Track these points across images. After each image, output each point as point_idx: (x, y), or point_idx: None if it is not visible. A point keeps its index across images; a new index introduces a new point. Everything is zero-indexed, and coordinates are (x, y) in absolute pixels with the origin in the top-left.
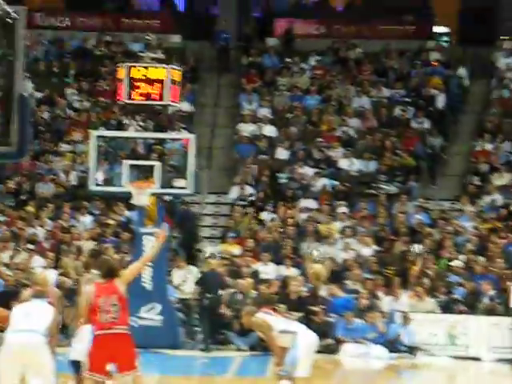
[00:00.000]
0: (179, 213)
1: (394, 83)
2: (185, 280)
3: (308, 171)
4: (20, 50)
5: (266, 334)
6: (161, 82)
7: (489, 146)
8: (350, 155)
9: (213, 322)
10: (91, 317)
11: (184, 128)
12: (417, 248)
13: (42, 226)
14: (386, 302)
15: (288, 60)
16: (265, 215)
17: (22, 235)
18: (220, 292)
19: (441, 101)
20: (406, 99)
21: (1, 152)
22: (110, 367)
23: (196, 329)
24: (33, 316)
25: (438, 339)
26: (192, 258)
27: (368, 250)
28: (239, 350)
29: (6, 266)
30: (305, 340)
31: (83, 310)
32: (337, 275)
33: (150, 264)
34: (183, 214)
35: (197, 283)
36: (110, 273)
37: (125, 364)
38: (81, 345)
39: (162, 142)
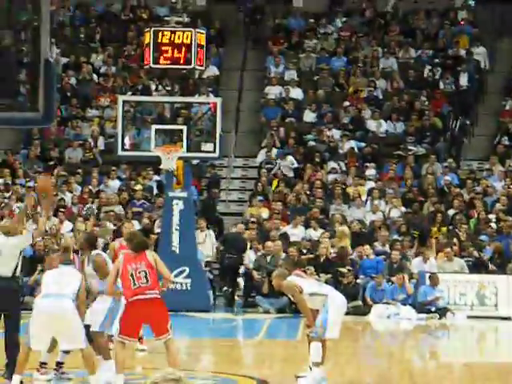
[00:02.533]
0: (207, 177)
1: (422, 43)
2: (203, 242)
3: (335, 133)
4: (46, 16)
5: (297, 296)
6: (187, 45)
7: None
8: (377, 117)
9: (234, 284)
10: (123, 284)
11: (210, 91)
12: None
13: (70, 192)
14: (414, 263)
15: (314, 22)
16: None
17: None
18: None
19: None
20: (434, 59)
21: (28, 117)
22: (141, 332)
23: (225, 290)
24: (62, 281)
25: (467, 299)
26: (214, 222)
27: (396, 212)
28: (267, 312)
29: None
30: (335, 302)
31: (112, 278)
32: (365, 237)
33: (177, 228)
34: (210, 179)
35: (221, 243)
36: (140, 247)
37: (158, 328)
38: (95, 316)
39: (188, 106)
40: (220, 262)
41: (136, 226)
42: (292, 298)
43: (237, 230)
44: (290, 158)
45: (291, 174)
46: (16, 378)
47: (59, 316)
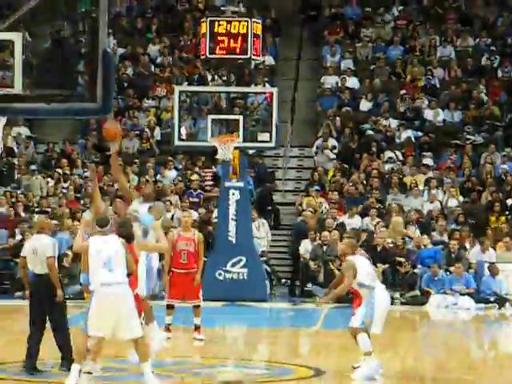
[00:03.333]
0: (257, 166)
1: (480, 32)
2: (257, 232)
3: (392, 123)
4: (103, 7)
5: (348, 279)
6: (243, 35)
7: None
8: (434, 106)
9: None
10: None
11: (266, 81)
12: None
13: (127, 182)
14: (473, 252)
15: (371, 10)
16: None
17: (109, 190)
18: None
19: None
20: (492, 48)
21: (86, 107)
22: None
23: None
24: (112, 263)
25: None
26: (268, 212)
27: (454, 201)
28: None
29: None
30: (382, 299)
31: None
32: (423, 226)
33: (233, 217)
34: (260, 169)
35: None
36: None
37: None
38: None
39: (244, 95)
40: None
41: (194, 215)
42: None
43: (302, 218)
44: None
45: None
46: (75, 367)
47: (117, 306)
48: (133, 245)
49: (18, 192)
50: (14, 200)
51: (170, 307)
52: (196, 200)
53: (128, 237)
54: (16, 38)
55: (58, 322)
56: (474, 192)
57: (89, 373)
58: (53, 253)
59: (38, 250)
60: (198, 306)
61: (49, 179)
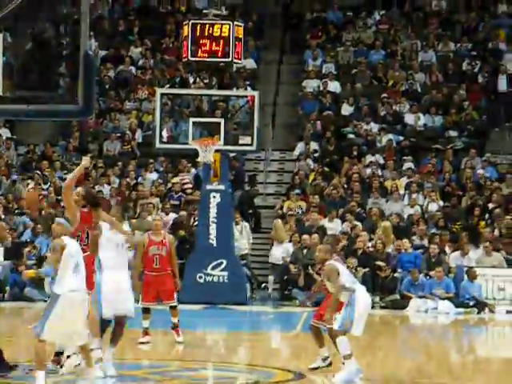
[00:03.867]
0: (235, 169)
1: (461, 37)
2: (240, 235)
3: (373, 127)
4: (85, 9)
5: (336, 283)
6: (225, 38)
7: None
8: (415, 110)
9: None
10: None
11: (248, 85)
12: None
13: (108, 184)
14: (452, 257)
15: (352, 14)
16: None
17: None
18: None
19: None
20: (473, 53)
21: (67, 110)
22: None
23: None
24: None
25: (506, 294)
26: (248, 215)
27: (434, 206)
28: (304, 306)
29: None
30: (363, 300)
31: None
32: (403, 231)
33: (214, 220)
34: (237, 171)
35: None
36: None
37: None
38: None
39: (226, 99)
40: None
41: (172, 218)
42: (326, 282)
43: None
44: None
45: None
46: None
47: None
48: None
49: None
50: None
51: (146, 311)
52: (177, 203)
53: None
54: None
55: None
56: (454, 197)
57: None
58: None
59: None
60: (175, 306)
61: (29, 181)
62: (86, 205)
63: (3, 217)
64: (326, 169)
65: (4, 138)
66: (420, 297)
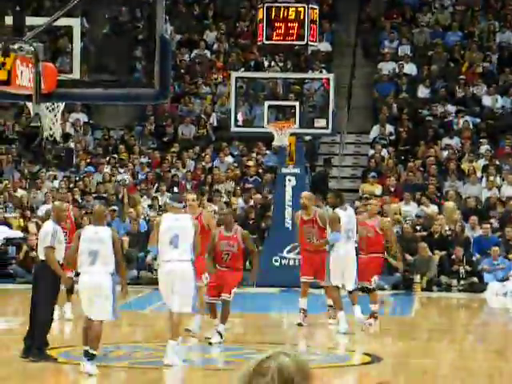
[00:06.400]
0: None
1: None
2: None
3: (450, 109)
4: None
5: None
6: (299, 21)
7: None
8: (493, 92)
9: None
10: None
11: (323, 67)
12: None
13: (184, 168)
14: None
15: None
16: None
17: (165, 177)
18: None
19: None
20: None
21: (143, 94)
22: None
23: None
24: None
25: None
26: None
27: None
28: (381, 289)
29: (150, 207)
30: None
31: None
32: (481, 213)
33: (290, 204)
34: (311, 154)
35: None
36: None
37: None
38: None
39: (301, 82)
40: None
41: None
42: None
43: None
44: None
45: None
46: (172, 343)
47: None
48: None
49: (76, 177)
50: (71, 185)
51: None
52: (252, 186)
53: None
54: (74, 23)
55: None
56: None
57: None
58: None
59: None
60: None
61: (106, 165)
62: None
63: (80, 201)
64: (403, 151)
65: (81, 122)
66: (499, 280)
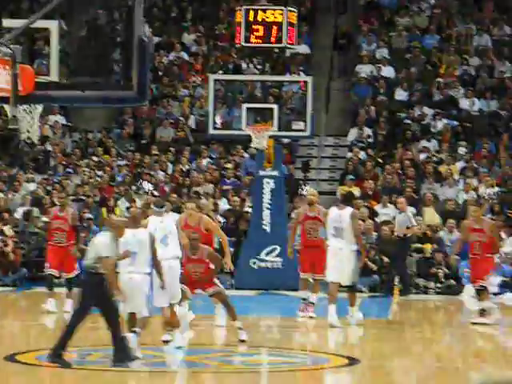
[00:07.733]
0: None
1: None
2: None
3: (427, 112)
4: None
5: None
6: (278, 24)
7: None
8: (470, 95)
9: None
10: None
11: (301, 70)
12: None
13: (162, 170)
14: (508, 242)
15: None
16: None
17: (144, 179)
18: None
19: None
20: None
21: (122, 96)
22: None
23: None
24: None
25: None
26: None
27: (490, 191)
28: (359, 291)
29: (128, 209)
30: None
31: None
32: (458, 216)
33: (268, 206)
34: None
35: None
36: None
37: None
38: None
39: (279, 84)
40: None
41: (225, 204)
42: None
43: None
44: None
45: None
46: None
47: None
48: None
49: (54, 180)
50: (50, 188)
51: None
52: (230, 188)
53: None
54: (52, 26)
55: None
56: (509, 181)
57: None
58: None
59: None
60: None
61: (84, 168)
62: None
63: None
64: (381, 154)
65: (59, 124)
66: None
